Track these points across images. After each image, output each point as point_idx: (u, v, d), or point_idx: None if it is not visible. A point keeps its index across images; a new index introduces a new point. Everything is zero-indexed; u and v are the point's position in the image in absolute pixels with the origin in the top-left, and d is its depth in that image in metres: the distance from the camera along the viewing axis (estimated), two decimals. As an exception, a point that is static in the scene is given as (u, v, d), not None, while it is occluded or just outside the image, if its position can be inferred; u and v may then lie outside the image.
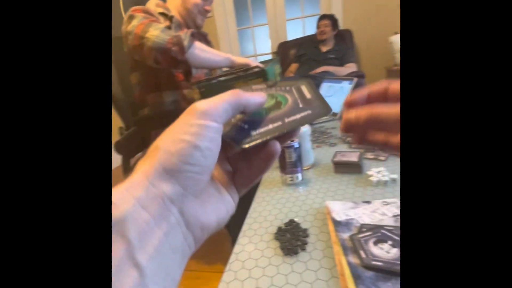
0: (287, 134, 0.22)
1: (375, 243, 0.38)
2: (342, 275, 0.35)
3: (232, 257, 0.44)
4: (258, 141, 0.21)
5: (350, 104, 0.24)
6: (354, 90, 0.25)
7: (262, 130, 0.22)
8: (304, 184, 0.63)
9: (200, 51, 0.95)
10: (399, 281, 0.32)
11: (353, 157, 0.65)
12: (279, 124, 0.22)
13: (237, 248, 0.46)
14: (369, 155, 0.71)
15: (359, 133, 0.24)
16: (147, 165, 0.17)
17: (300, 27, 2.73)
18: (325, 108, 0.23)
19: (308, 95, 0.24)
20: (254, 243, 0.46)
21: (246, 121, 0.23)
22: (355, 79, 1.14)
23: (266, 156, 0.22)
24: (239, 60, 1.03)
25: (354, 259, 0.36)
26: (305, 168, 0.70)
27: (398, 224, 0.42)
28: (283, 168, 0.63)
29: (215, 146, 0.19)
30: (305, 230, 0.46)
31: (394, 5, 2.30)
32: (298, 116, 0.22)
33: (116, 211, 0.15)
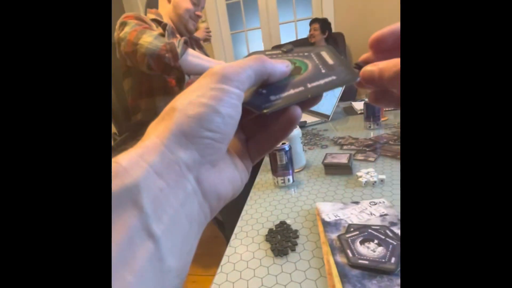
0: (309, 100, 0.21)
1: (362, 242, 0.39)
2: (330, 274, 0.36)
3: (224, 259, 0.45)
4: (280, 106, 0.19)
5: (376, 43, 0.19)
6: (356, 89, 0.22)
7: (283, 95, 0.20)
8: (296, 186, 0.64)
9: (193, 58, 0.96)
10: (384, 279, 0.33)
11: (343, 158, 0.66)
12: (302, 89, 0.20)
13: (228, 250, 0.47)
14: (359, 156, 0.72)
15: (380, 89, 0.20)
16: (162, 128, 0.16)
17: (293, 31, 2.76)
18: (352, 74, 0.20)
19: (330, 61, 0.22)
20: (246, 245, 0.47)
21: (264, 85, 0.21)
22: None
23: (286, 122, 0.20)
24: None
25: (341, 259, 0.37)
26: (297, 170, 0.71)
27: (385, 223, 0.43)
28: (275, 170, 0.65)
29: (237, 113, 0.17)
30: (295, 231, 0.47)
31: (384, 8, 2.34)
32: (322, 81, 0.20)
33: (128, 178, 0.14)
